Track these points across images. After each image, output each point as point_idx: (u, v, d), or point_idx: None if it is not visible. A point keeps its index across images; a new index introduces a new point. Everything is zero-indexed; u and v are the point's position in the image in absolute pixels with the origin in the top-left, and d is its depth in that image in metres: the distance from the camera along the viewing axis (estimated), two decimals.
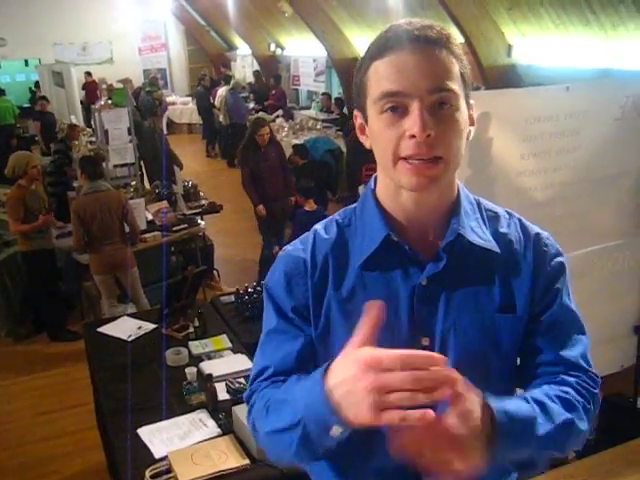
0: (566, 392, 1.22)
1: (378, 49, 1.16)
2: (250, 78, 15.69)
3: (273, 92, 14.01)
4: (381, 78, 1.15)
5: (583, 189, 2.82)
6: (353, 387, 0.97)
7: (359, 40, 11.69)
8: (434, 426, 0.97)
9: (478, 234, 1.26)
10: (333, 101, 12.27)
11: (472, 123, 1.23)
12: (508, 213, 1.35)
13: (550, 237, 1.34)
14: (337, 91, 13.16)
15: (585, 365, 1.29)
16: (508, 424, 1.08)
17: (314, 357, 1.29)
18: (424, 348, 1.24)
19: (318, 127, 11.39)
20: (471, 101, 1.22)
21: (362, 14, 10.66)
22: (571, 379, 1.25)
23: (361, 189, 8.30)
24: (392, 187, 1.24)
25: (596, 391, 1.28)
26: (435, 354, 0.99)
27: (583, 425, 1.21)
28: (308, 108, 13.72)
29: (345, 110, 11.68)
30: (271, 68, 15.31)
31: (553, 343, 1.28)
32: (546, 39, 7.29)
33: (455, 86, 1.14)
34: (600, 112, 2.81)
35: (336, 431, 1.03)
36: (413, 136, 1.11)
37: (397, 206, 1.25)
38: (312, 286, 1.29)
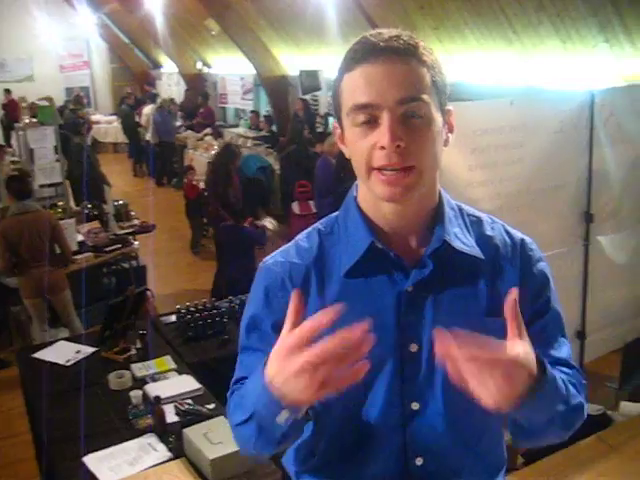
0: (571, 374, 1.26)
1: (348, 62, 1.17)
2: (176, 96, 15.52)
3: (201, 110, 13.90)
4: (352, 90, 1.15)
5: (527, 200, 2.91)
6: (287, 373, 1.00)
7: (287, 58, 11.76)
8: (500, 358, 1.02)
9: (462, 240, 1.26)
10: (262, 119, 12.26)
11: (450, 130, 1.24)
12: (491, 219, 1.36)
13: (533, 243, 1.36)
14: (265, 109, 13.17)
15: (572, 362, 1.32)
16: (550, 384, 1.11)
17: None
18: (413, 355, 1.24)
19: (248, 145, 11.35)
20: (449, 107, 1.22)
21: (290, 33, 10.74)
22: (568, 370, 1.28)
23: (294, 205, 8.33)
24: (372, 197, 1.23)
25: (584, 382, 1.31)
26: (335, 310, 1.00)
27: (585, 413, 1.26)
28: (236, 126, 13.66)
29: (274, 128, 11.69)
30: (198, 86, 15.20)
31: (542, 346, 1.28)
32: (471, 57, 7.52)
33: (425, 95, 1.14)
34: (541, 126, 2.92)
35: (282, 417, 1.06)
36: (383, 147, 1.12)
37: (379, 215, 1.25)
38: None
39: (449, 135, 1.24)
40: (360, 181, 1.26)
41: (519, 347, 1.04)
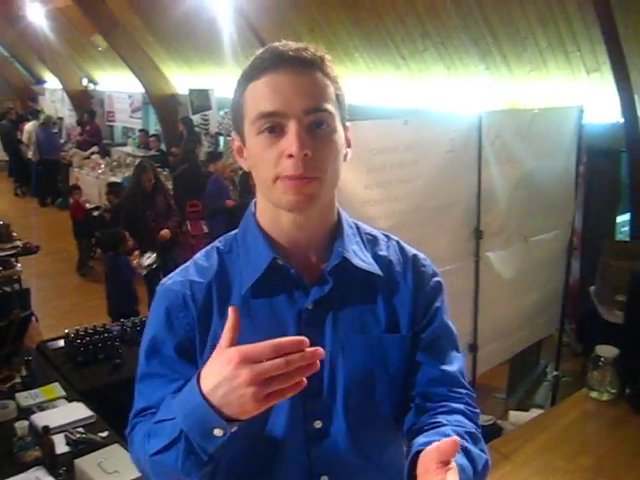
0: (464, 424, 1.22)
1: (254, 70, 1.16)
2: (61, 113, 14.95)
3: (87, 128, 13.45)
4: (258, 99, 1.14)
5: (421, 217, 3.00)
6: (231, 386, 0.98)
7: (177, 77, 11.63)
8: None
9: (360, 257, 1.27)
10: (152, 137, 12.02)
11: (349, 145, 1.25)
12: (386, 236, 1.38)
13: (427, 258, 1.38)
14: (154, 127, 12.93)
15: (463, 381, 1.33)
16: None
17: None
18: (314, 373, 1.23)
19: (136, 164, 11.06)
20: (348, 123, 1.23)
21: (180, 52, 10.64)
22: (459, 405, 1.27)
23: (187, 225, 8.18)
24: (272, 210, 1.22)
25: (477, 410, 1.31)
26: (299, 337, 0.99)
27: (489, 463, 1.22)
28: (125, 145, 13.32)
29: (163, 147, 11.50)
30: (83, 103, 14.72)
31: (434, 359, 1.30)
32: (362, 81, 7.72)
33: (330, 107, 1.15)
34: (433, 145, 3.02)
35: (218, 432, 1.04)
36: (291, 155, 1.11)
37: (278, 230, 1.24)
38: (197, 317, 1.24)
39: (348, 150, 1.24)
40: (261, 194, 1.24)
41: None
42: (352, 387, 1.25)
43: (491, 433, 3.71)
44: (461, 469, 1.04)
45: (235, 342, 1.02)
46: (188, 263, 1.31)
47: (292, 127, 1.11)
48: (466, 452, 1.13)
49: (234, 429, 1.04)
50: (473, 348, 3.47)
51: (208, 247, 1.33)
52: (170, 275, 1.31)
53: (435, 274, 1.36)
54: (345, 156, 1.23)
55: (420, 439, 1.13)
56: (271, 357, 0.97)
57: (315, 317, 1.23)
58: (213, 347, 1.22)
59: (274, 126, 1.13)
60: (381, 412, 1.30)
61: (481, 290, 3.41)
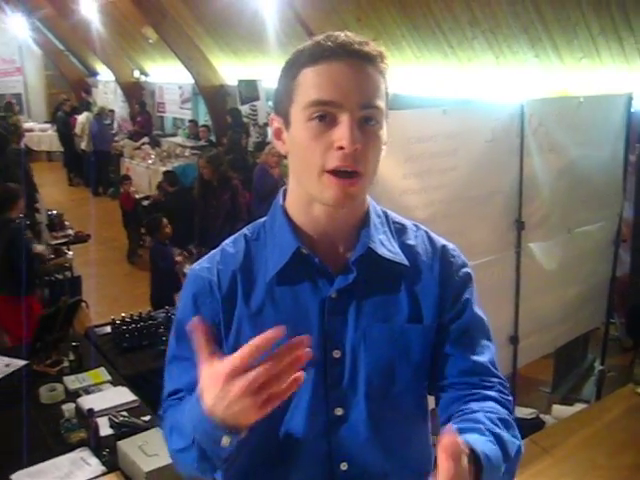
0: (496, 410, 1.22)
1: (311, 56, 1.15)
2: (114, 105, 15.24)
3: (138, 119, 13.69)
4: (313, 85, 1.13)
5: (461, 207, 2.97)
6: (227, 401, 1.00)
7: (225, 68, 11.72)
8: None
9: (387, 247, 1.27)
10: (200, 128, 12.16)
11: (384, 142, 1.25)
12: (415, 226, 1.37)
13: (456, 249, 1.37)
14: (204, 118, 13.07)
15: (494, 370, 1.32)
16: (489, 470, 1.05)
17: None
18: (336, 360, 1.24)
19: (186, 154, 11.23)
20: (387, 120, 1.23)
21: (228, 42, 10.70)
22: (491, 393, 1.26)
23: None
24: (305, 199, 1.23)
25: (510, 398, 1.31)
26: (274, 330, 0.99)
27: (522, 449, 1.21)
28: (175, 135, 13.50)
29: (212, 137, 11.62)
30: (135, 95, 14.97)
31: (464, 350, 1.30)
32: (409, 70, 7.65)
33: (382, 103, 1.15)
34: (473, 134, 2.98)
35: (226, 442, 1.05)
36: (341, 147, 1.11)
37: (308, 219, 1.25)
38: (221, 303, 1.26)
39: (383, 147, 1.24)
40: (297, 182, 1.24)
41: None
42: (374, 376, 1.25)
43: (533, 426, 3.67)
44: (486, 457, 1.04)
45: (216, 356, 1.02)
46: (216, 249, 1.34)
47: (345, 119, 1.11)
48: (497, 438, 1.13)
49: (243, 435, 1.06)
50: (514, 340, 3.42)
51: (237, 234, 1.35)
52: (200, 261, 1.34)
53: (464, 265, 1.35)
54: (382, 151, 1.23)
55: (451, 425, 1.13)
56: (257, 359, 0.98)
57: (338, 306, 1.24)
58: (237, 332, 1.25)
59: (325, 115, 1.12)
60: (402, 401, 1.30)
61: (522, 282, 3.35)
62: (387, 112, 1.20)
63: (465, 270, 1.34)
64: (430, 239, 1.35)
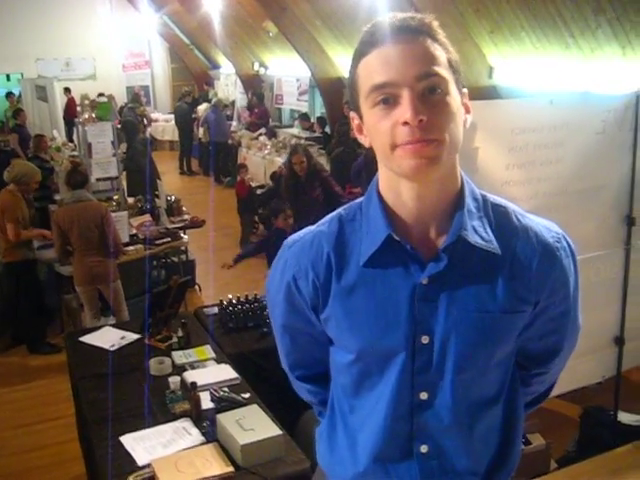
0: None
1: (364, 46, 1.18)
2: (234, 97, 15.72)
3: (255, 110, 14.05)
4: (370, 72, 1.16)
5: (566, 200, 2.88)
6: None
7: (343, 60, 11.80)
8: None
9: (480, 235, 1.23)
10: (314, 120, 12.32)
11: (467, 111, 1.23)
12: (521, 210, 1.32)
13: (562, 239, 1.30)
14: (320, 110, 13.23)
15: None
16: None
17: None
18: (424, 346, 1.24)
19: None
20: (464, 90, 1.22)
21: (346, 34, 10.77)
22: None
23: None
24: (393, 182, 1.23)
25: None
26: None
27: None
28: (291, 127, 13.76)
29: (327, 129, 11.75)
30: (254, 87, 15.37)
31: (549, 335, 1.35)
32: (526, 61, 7.42)
33: (442, 70, 1.15)
34: (582, 125, 2.87)
35: None
36: (406, 123, 1.11)
37: (400, 203, 1.24)
38: (317, 282, 1.29)
39: (467, 117, 1.23)
40: (382, 164, 1.25)
41: None
42: (463, 364, 1.25)
43: (638, 433, 3.50)
44: None
45: None
46: (312, 228, 1.35)
47: (405, 95, 1.12)
48: None
49: None
50: (619, 341, 3.28)
51: (332, 213, 1.36)
52: (295, 237, 1.36)
53: (568, 257, 1.29)
54: (465, 122, 1.22)
55: None
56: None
57: (429, 292, 1.23)
58: (331, 307, 1.29)
59: (388, 97, 1.14)
60: (487, 389, 1.31)
61: (631, 280, 3.21)
62: (459, 79, 1.19)
63: (568, 263, 1.29)
64: (534, 228, 1.27)
